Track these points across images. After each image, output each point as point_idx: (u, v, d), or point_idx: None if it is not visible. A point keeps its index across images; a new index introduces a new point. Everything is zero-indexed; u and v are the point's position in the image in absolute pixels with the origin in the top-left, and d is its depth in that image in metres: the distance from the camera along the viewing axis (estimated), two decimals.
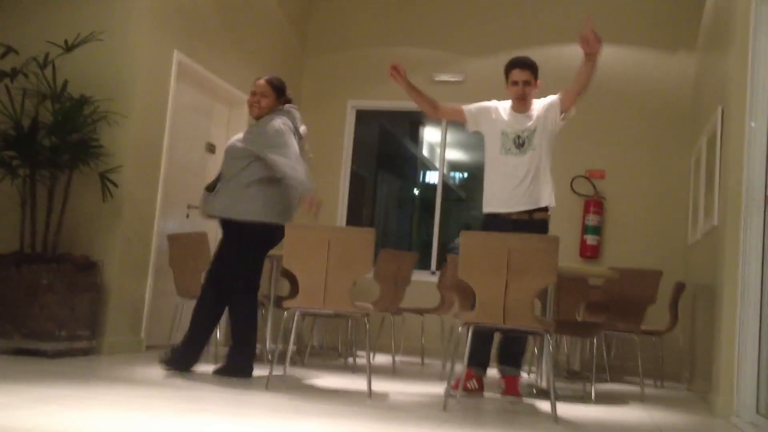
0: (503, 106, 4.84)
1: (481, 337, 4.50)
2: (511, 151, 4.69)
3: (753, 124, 4.49)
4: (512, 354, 4.70)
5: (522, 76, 4.69)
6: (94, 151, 5.25)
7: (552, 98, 4.75)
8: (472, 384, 4.60)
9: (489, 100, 4.91)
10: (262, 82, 4.78)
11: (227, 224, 4.66)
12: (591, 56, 4.52)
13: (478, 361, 4.65)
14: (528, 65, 4.73)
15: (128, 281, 5.52)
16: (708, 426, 4.13)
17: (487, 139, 4.81)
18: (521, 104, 4.76)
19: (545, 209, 4.66)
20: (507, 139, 4.72)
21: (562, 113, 4.71)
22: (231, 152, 4.69)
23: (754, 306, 4.31)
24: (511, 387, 4.63)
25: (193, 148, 6.66)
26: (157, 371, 4.55)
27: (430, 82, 8.24)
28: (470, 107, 4.89)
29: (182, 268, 5.46)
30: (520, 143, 4.68)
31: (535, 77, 4.75)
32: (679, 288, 6.21)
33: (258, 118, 4.75)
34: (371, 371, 4.24)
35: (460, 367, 4.47)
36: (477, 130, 4.90)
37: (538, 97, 4.81)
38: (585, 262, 7.53)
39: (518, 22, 8.14)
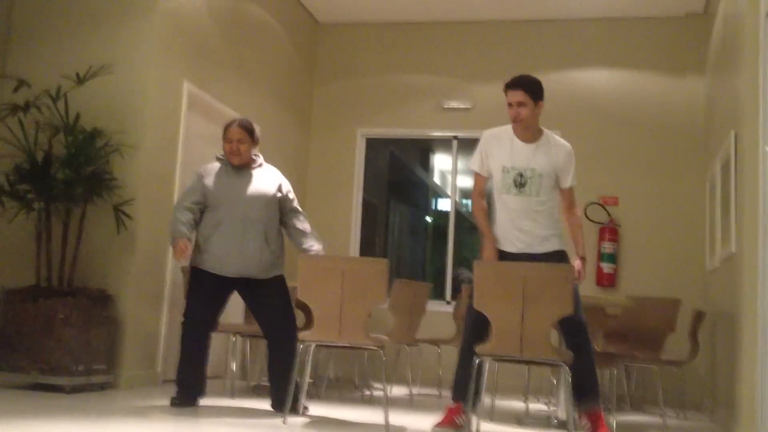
0: (502, 135, 4.37)
1: (468, 366, 4.12)
2: (510, 191, 4.26)
3: (767, 148, 4.45)
4: (587, 387, 4.18)
5: (514, 97, 4.23)
6: (107, 183, 5.26)
7: (567, 174, 4.35)
8: (461, 420, 4.16)
9: (494, 127, 4.49)
10: (235, 128, 4.66)
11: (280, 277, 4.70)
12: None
13: (460, 394, 4.18)
14: (520, 84, 4.24)
15: (143, 314, 5.49)
16: None
17: (492, 174, 4.39)
18: (524, 131, 4.29)
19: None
20: (507, 177, 4.26)
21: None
22: (271, 201, 4.66)
23: None
24: (596, 424, 4.10)
25: None
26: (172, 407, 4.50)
27: (439, 109, 8.25)
28: (478, 163, 4.40)
29: None
30: (521, 183, 4.24)
31: (534, 97, 4.24)
32: (699, 316, 6.13)
33: (241, 165, 4.66)
34: (388, 404, 4.19)
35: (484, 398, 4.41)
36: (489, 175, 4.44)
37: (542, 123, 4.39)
38: (602, 291, 7.47)
39: (525, 48, 8.16)
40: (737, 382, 4.60)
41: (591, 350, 4.16)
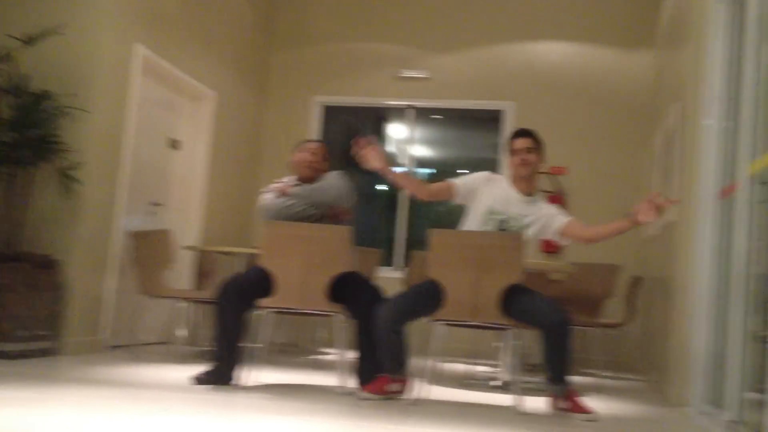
0: (500, 181, 4.33)
1: (394, 341, 4.07)
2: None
3: (708, 121, 4.58)
4: (557, 365, 3.93)
5: (524, 144, 4.22)
6: (54, 147, 5.17)
7: (560, 213, 4.26)
8: (394, 387, 4.10)
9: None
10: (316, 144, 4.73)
11: None
12: (634, 223, 4.08)
13: (394, 366, 4.10)
14: (529, 133, 4.27)
15: (89, 280, 5.46)
16: (662, 416, 4.22)
17: (469, 207, 4.31)
18: (524, 182, 4.26)
19: None
20: (491, 218, 4.19)
21: (557, 236, 4.23)
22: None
23: (706, 299, 4.40)
24: (575, 404, 3.90)
25: (156, 143, 6.62)
26: (119, 371, 4.52)
27: (396, 78, 8.28)
28: (462, 180, 4.31)
29: (145, 266, 5.43)
30: (503, 228, 4.18)
31: (540, 148, 4.27)
32: (636, 282, 6.31)
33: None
34: (346, 369, 4.26)
35: (430, 362, 4.50)
36: (463, 203, 4.35)
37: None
38: (546, 257, 7.62)
39: (484, 18, 8.21)
40: (669, 345, 4.77)
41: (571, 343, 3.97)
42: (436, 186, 4.34)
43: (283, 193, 4.51)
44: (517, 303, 3.97)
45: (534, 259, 6.84)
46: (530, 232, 4.19)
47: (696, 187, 4.60)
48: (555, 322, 3.84)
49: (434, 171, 13.07)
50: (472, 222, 4.26)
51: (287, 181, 4.66)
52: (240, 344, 4.28)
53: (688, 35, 4.92)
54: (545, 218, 4.20)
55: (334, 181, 4.64)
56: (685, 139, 4.85)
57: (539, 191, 4.38)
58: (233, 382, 4.23)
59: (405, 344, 4.11)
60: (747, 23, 3.80)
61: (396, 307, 4.04)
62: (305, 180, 4.59)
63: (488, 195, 4.24)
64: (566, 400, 3.90)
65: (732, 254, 3.87)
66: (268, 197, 4.60)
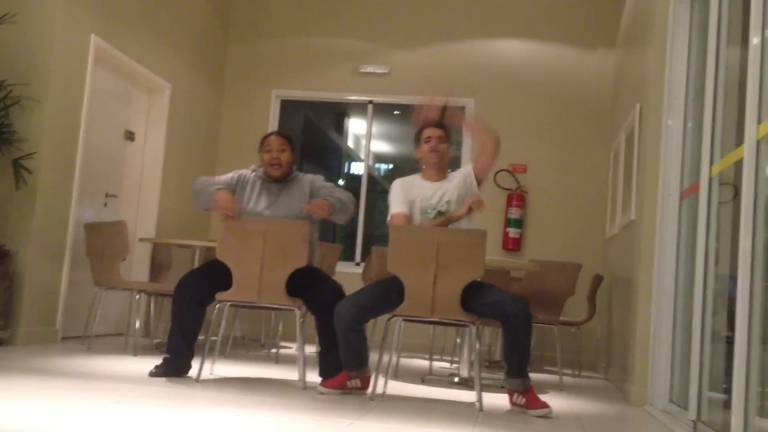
0: (413, 181, 4.40)
1: (352, 339, 4.01)
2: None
3: (669, 121, 4.62)
4: (517, 358, 3.91)
5: (435, 132, 4.32)
6: (6, 137, 5.06)
7: (466, 169, 4.37)
8: (355, 383, 4.10)
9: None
10: (275, 137, 4.49)
11: None
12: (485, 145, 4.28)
13: (355, 364, 4.07)
14: (440, 125, 4.34)
15: (43, 270, 5.35)
16: (623, 414, 4.24)
17: (413, 219, 4.33)
18: (434, 170, 4.36)
19: None
20: (426, 218, 4.27)
21: (479, 184, 4.33)
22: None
23: (668, 298, 4.45)
24: (531, 400, 3.89)
25: (111, 135, 6.49)
26: (73, 362, 4.42)
27: (356, 73, 8.23)
28: (399, 203, 4.31)
29: (99, 257, 5.32)
30: (442, 215, 4.26)
31: (450, 139, 4.40)
32: (597, 280, 6.37)
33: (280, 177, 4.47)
34: (305, 362, 4.21)
35: (387, 357, 4.47)
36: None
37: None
38: (507, 255, 7.65)
39: (445, 14, 8.20)
40: (631, 344, 4.80)
41: (530, 336, 3.96)
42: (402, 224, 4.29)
43: (320, 211, 4.23)
44: (479, 297, 3.96)
45: (495, 256, 6.88)
46: (458, 202, 4.26)
47: (657, 187, 4.64)
48: (516, 312, 3.84)
49: (392, 166, 13.10)
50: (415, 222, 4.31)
51: (251, 173, 4.53)
52: (195, 337, 4.21)
53: (650, 35, 4.95)
54: (464, 185, 4.30)
55: (326, 183, 4.53)
56: (646, 139, 4.88)
57: (450, 174, 4.41)
58: (189, 374, 4.15)
59: (365, 341, 4.07)
60: (709, 23, 3.83)
61: (356, 305, 4.00)
62: (276, 179, 4.45)
63: (415, 197, 4.30)
64: (523, 395, 3.90)
65: (694, 254, 3.90)
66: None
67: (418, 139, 4.39)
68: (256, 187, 4.46)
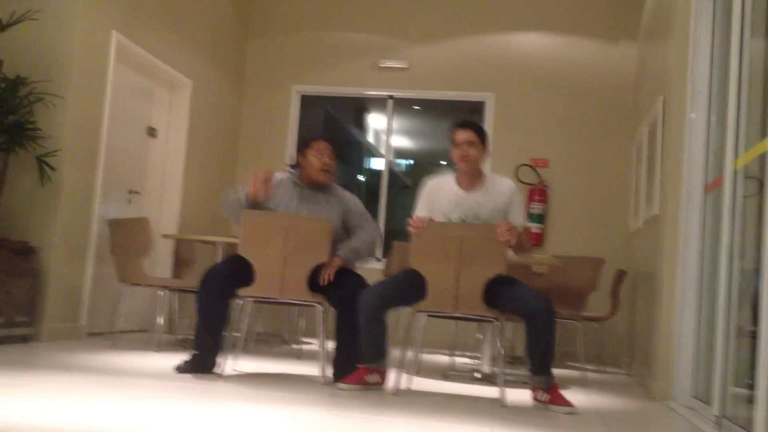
0: (446, 183, 4.25)
1: (375, 329, 4.02)
2: None
3: (693, 114, 4.58)
4: (540, 355, 3.89)
5: (464, 136, 4.13)
6: (30, 133, 5.09)
7: (512, 190, 4.20)
8: (374, 378, 4.06)
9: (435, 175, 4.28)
10: (326, 143, 4.41)
11: None
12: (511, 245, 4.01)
13: (374, 355, 4.06)
14: (471, 125, 4.19)
15: (68, 267, 5.40)
16: (646, 410, 4.22)
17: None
18: (467, 176, 4.20)
19: None
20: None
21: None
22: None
23: (692, 293, 4.41)
24: (556, 397, 3.86)
25: (133, 131, 6.53)
26: (98, 358, 4.46)
27: (375, 67, 8.22)
28: (422, 207, 4.26)
29: (123, 254, 5.36)
30: None
31: (483, 141, 4.19)
32: (620, 275, 6.32)
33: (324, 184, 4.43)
34: (326, 358, 4.22)
35: (412, 353, 4.47)
36: None
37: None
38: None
39: (464, 8, 8.17)
40: (654, 339, 4.77)
41: (554, 333, 3.93)
42: None
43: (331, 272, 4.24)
44: (502, 293, 3.94)
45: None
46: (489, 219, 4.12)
47: (681, 181, 4.60)
48: (539, 310, 3.82)
49: (412, 162, 13.08)
50: None
51: (280, 177, 4.47)
52: (221, 333, 4.22)
53: (673, 27, 4.91)
54: (502, 213, 4.14)
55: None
56: (669, 132, 4.84)
57: (485, 178, 4.25)
58: (214, 370, 4.17)
59: (386, 334, 4.07)
60: (732, 15, 3.79)
61: (380, 294, 4.01)
62: (315, 185, 4.41)
63: (442, 201, 4.20)
64: (547, 392, 3.88)
65: (718, 248, 3.87)
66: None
67: (452, 141, 4.22)
68: (289, 190, 4.41)
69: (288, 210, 4.33)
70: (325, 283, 4.16)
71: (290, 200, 4.38)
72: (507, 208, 4.17)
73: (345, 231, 4.44)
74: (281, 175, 4.49)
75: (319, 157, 4.35)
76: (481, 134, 4.20)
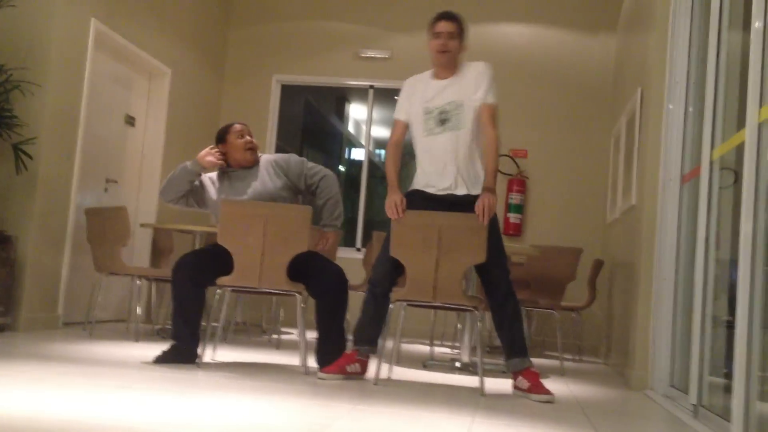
0: (422, 78, 4.19)
1: (374, 309, 4.07)
2: (433, 132, 4.06)
3: (671, 106, 4.61)
4: (513, 340, 3.98)
5: (446, 28, 4.06)
6: (6, 121, 5.05)
7: (481, 67, 4.10)
8: (354, 368, 4.04)
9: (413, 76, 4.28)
10: (241, 125, 4.46)
11: None
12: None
13: (366, 339, 4.07)
14: (454, 18, 4.10)
15: (44, 256, 5.35)
16: (624, 399, 4.25)
17: (412, 121, 4.17)
18: (443, 69, 4.11)
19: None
20: (430, 118, 4.08)
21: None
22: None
23: (668, 283, 4.45)
24: (535, 384, 3.87)
25: (111, 120, 6.48)
26: (75, 348, 4.43)
27: (356, 57, 8.20)
28: (399, 110, 4.21)
29: (100, 243, 5.32)
30: (445, 119, 4.04)
31: (462, 35, 4.12)
32: (598, 265, 6.37)
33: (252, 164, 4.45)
34: (306, 348, 4.22)
35: (391, 343, 4.47)
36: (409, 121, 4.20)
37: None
38: (508, 240, 7.64)
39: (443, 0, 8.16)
40: (632, 329, 4.81)
41: (518, 307, 4.04)
42: (397, 138, 4.18)
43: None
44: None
45: None
46: (472, 109, 4.04)
47: (658, 172, 4.64)
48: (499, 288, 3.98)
49: None
50: (416, 128, 4.13)
51: (209, 177, 4.52)
52: (198, 323, 4.21)
53: (651, 20, 4.94)
54: (474, 84, 4.06)
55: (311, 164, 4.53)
56: (647, 123, 4.87)
57: (460, 66, 4.14)
58: (195, 360, 4.15)
59: (385, 319, 4.08)
60: (711, 8, 3.81)
61: (389, 271, 4.05)
62: (250, 164, 4.43)
63: (419, 97, 4.11)
64: (526, 379, 3.91)
65: (695, 239, 3.90)
66: None
67: (430, 33, 4.13)
68: (218, 183, 4.44)
69: (229, 196, 4.36)
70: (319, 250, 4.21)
71: (228, 189, 4.40)
72: (476, 85, 4.05)
73: (299, 190, 4.45)
74: (209, 174, 4.51)
75: (239, 136, 4.40)
76: (462, 27, 4.13)
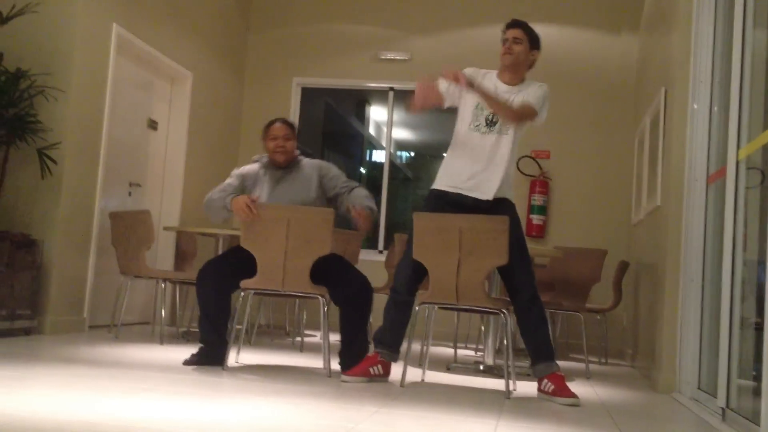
0: (487, 73, 4.23)
1: (395, 315, 4.08)
2: (480, 129, 4.09)
3: (695, 105, 4.56)
4: (539, 345, 3.98)
5: (512, 33, 4.15)
6: (31, 126, 5.09)
7: (542, 88, 4.19)
8: (376, 369, 4.03)
9: (438, 77, 4.18)
10: (280, 125, 4.52)
11: None
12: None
13: (387, 343, 4.08)
14: (521, 25, 4.18)
15: (69, 260, 5.39)
16: (651, 402, 4.21)
17: (460, 110, 4.17)
18: (508, 73, 4.17)
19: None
20: (479, 114, 4.10)
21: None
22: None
23: (695, 284, 4.40)
24: (560, 388, 3.84)
25: (134, 124, 6.52)
26: (101, 351, 4.45)
27: (376, 59, 8.20)
28: (445, 88, 4.13)
29: (125, 246, 5.35)
30: (493, 121, 4.08)
31: (531, 42, 4.18)
32: (623, 267, 6.31)
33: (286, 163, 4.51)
34: (329, 350, 4.21)
35: (417, 346, 4.46)
36: (452, 105, 4.18)
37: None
38: (531, 242, 7.58)
39: (463, 1, 8.13)
40: (658, 331, 4.76)
41: (543, 311, 4.04)
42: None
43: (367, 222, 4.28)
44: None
45: None
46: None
47: (683, 172, 4.59)
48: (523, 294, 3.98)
49: (413, 154, 13.06)
50: (463, 120, 4.15)
51: (248, 169, 4.58)
52: (224, 326, 4.22)
53: (674, 19, 4.89)
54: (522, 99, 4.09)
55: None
56: (671, 123, 4.83)
57: (526, 81, 4.23)
58: (222, 363, 4.16)
59: (406, 323, 4.08)
60: (735, 5, 3.77)
61: (410, 276, 4.06)
62: (280, 165, 4.50)
63: (481, 83, 4.09)
64: (551, 382, 3.88)
65: (721, 239, 3.86)
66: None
67: (502, 40, 4.21)
68: (260, 177, 4.52)
69: (262, 194, 4.41)
70: (359, 224, 4.21)
71: (264, 187, 4.46)
72: (529, 96, 4.10)
73: (327, 198, 4.51)
74: (250, 166, 4.60)
75: (272, 140, 4.47)
76: (530, 34, 4.19)
